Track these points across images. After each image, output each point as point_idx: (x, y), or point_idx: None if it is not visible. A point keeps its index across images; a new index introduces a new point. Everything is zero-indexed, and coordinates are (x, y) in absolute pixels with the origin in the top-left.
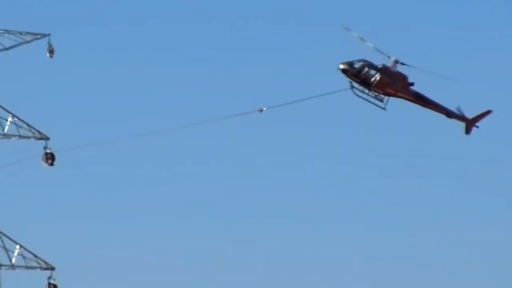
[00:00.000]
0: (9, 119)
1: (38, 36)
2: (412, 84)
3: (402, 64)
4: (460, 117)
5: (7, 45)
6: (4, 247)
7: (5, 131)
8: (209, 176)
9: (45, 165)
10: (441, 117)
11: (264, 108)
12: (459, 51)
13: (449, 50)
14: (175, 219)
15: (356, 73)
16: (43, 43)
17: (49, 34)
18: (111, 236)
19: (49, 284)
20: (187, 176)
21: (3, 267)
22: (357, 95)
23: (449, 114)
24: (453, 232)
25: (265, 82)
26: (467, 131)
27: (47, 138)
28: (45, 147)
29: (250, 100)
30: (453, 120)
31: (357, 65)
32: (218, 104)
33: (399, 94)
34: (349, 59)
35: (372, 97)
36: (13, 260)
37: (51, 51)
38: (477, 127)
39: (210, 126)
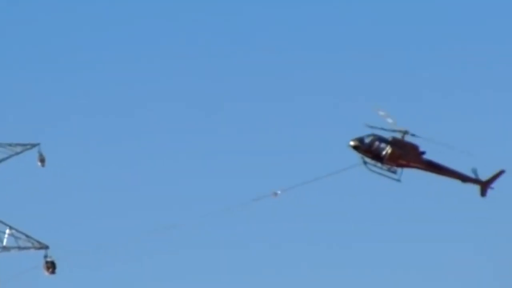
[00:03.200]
0: (7, 231)
1: (28, 147)
2: (423, 153)
3: (412, 135)
4: (474, 180)
5: None
6: None
7: (4, 243)
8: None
9: (47, 273)
10: (456, 182)
11: (279, 192)
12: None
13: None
14: None
15: (367, 148)
16: (33, 153)
17: (38, 144)
18: None
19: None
20: None
21: None
22: (371, 170)
23: (463, 178)
24: None
25: (277, 166)
26: (483, 193)
27: (47, 247)
28: (45, 256)
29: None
30: (468, 184)
31: (367, 140)
32: (232, 190)
33: (412, 164)
34: (358, 135)
35: (386, 170)
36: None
37: (42, 160)
38: (492, 188)
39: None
